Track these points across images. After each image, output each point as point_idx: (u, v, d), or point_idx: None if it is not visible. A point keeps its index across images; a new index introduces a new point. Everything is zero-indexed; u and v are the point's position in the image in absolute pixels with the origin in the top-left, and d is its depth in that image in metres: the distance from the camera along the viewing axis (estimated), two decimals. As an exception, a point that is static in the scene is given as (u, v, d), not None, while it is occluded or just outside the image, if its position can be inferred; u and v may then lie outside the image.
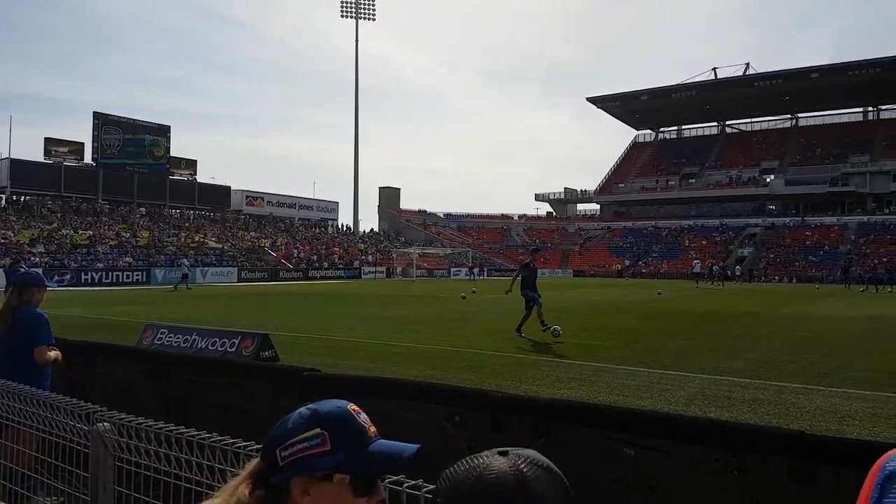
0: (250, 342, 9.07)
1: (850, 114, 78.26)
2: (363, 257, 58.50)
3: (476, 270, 52.88)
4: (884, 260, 50.66)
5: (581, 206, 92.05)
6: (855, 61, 67.46)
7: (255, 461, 1.09)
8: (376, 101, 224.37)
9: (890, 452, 0.70)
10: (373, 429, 1.06)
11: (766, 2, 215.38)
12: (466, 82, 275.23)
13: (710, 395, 7.39)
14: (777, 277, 55.69)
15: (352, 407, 1.06)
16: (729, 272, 51.70)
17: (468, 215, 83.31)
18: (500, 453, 0.78)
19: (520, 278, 13.38)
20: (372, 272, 53.80)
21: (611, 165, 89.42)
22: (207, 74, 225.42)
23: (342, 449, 1.01)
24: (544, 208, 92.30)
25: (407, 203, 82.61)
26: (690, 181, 78.50)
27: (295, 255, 53.28)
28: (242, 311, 18.69)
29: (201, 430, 2.27)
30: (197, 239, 49.29)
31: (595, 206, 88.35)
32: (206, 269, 42.67)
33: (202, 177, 60.48)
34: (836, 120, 78.69)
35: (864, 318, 18.43)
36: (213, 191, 60.40)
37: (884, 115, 76.14)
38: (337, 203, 73.00)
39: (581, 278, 59.82)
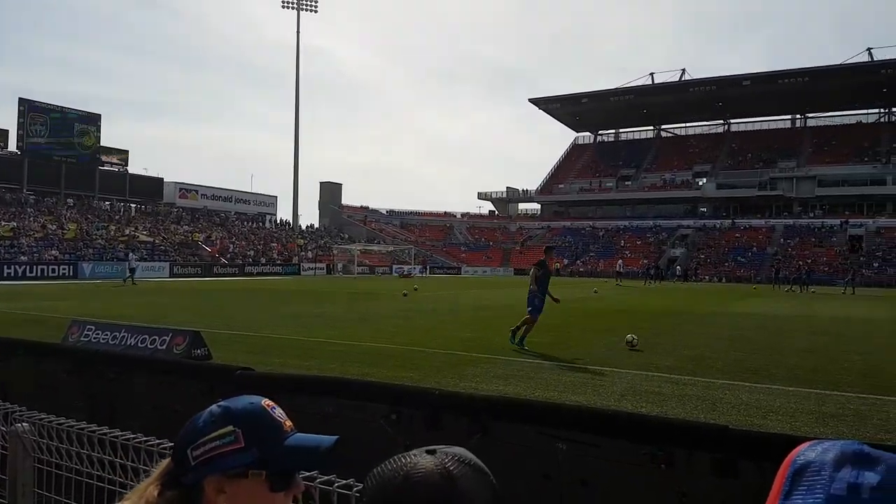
0: (182, 340, 8.80)
1: (779, 120, 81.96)
2: (303, 253, 57.58)
3: (410, 269, 52.76)
4: (808, 261, 53.32)
5: (522, 206, 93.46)
6: (784, 70, 70.59)
7: (165, 461, 1.07)
8: (318, 95, 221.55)
9: (800, 447, 0.72)
10: (289, 423, 1.05)
11: (703, 10, 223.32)
12: (411, 79, 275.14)
13: (641, 391, 7.61)
14: (707, 277, 57.88)
15: (265, 402, 1.05)
16: (658, 271, 53.75)
17: (411, 212, 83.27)
18: (428, 452, 0.77)
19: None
20: (312, 268, 53.05)
21: (551, 166, 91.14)
22: (141, 62, 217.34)
23: (256, 445, 0.99)
24: (487, 207, 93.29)
25: (349, 199, 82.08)
26: (627, 183, 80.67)
27: (231, 250, 51.99)
28: (174, 308, 18.12)
29: (126, 431, 2.19)
30: (127, 232, 47.50)
31: (536, 206, 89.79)
32: (136, 263, 41.20)
33: (134, 168, 58.58)
34: (765, 126, 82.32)
35: (790, 317, 19.31)
36: (145, 182, 58.38)
37: (810, 123, 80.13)
38: (275, 197, 71.82)
39: (522, 276, 60.61)
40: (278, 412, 1.05)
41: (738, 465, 2.14)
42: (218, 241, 53.00)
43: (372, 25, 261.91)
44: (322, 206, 78.07)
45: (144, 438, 2.14)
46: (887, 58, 66.15)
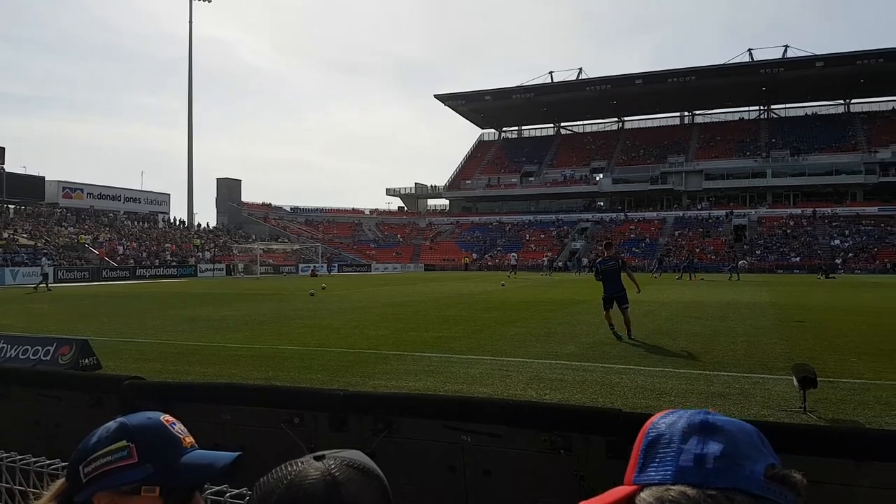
0: (68, 349, 8.24)
1: (668, 118, 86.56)
2: (200, 254, 55.36)
3: (316, 266, 51.99)
4: (696, 251, 56.75)
5: (431, 202, 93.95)
6: (673, 70, 74.24)
7: (59, 482, 1.05)
8: (213, 87, 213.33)
9: (653, 418, 0.75)
10: (189, 439, 1.03)
11: (598, 12, 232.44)
12: (313, 73, 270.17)
13: (545, 379, 7.85)
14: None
15: (165, 418, 1.03)
16: (561, 264, 56.11)
17: (317, 209, 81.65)
18: (316, 458, 0.76)
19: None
20: (210, 269, 50.99)
21: (459, 162, 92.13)
22: (16, 51, 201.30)
23: (151, 461, 0.97)
24: (396, 203, 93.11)
25: (249, 196, 79.44)
26: (530, 179, 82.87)
27: (121, 251, 49.26)
28: (60, 315, 16.94)
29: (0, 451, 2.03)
30: (6, 235, 43.92)
31: (445, 202, 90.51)
32: (15, 269, 38.18)
33: (11, 166, 54.12)
34: (656, 123, 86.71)
35: (680, 303, 20.45)
36: (25, 181, 54.15)
37: (697, 120, 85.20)
38: (168, 195, 68.41)
39: (432, 272, 61.00)
40: (178, 427, 1.03)
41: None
42: (106, 243, 50.04)
43: (273, 17, 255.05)
44: (220, 203, 75.13)
45: (20, 457, 1.99)
46: (766, 58, 71.31)
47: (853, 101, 76.93)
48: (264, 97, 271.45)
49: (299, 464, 0.75)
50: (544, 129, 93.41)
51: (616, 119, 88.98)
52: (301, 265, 57.25)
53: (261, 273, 50.64)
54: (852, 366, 8.66)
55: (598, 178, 78.41)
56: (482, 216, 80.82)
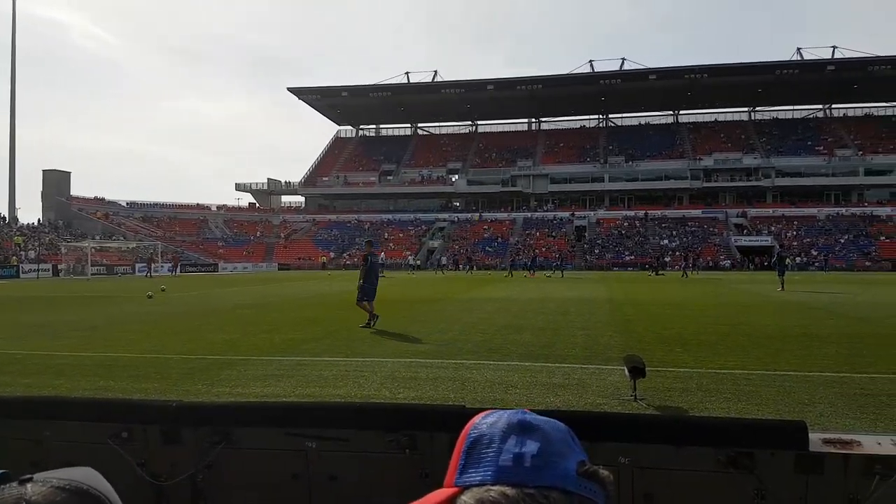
0: None
1: (517, 123, 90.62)
2: (22, 253, 49.91)
3: (155, 266, 48.77)
4: (543, 249, 59.90)
5: (286, 198, 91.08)
6: (522, 77, 77.87)
7: None
8: (40, 73, 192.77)
9: (474, 420, 0.77)
10: None
11: (451, 15, 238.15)
12: (156, 60, 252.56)
13: (399, 378, 7.88)
14: (461, 266, 62.17)
15: None
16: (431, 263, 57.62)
17: (157, 204, 76.31)
18: (21, 482, 0.70)
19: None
20: (34, 270, 46.16)
21: (315, 158, 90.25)
22: None
23: None
24: (246, 199, 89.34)
25: (80, 189, 72.68)
26: (388, 178, 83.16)
27: (-74, 251, 43.23)
28: None
29: None
30: None
31: (300, 199, 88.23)
32: None
33: None
34: (507, 128, 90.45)
35: (527, 300, 21.42)
36: None
37: (544, 126, 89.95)
38: (-13, 188, 61.10)
39: (287, 271, 59.27)
40: None
41: None
42: None
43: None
44: (46, 197, 68.03)
45: None
46: (605, 70, 76.70)
47: (681, 111, 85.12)
48: (99, 85, 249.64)
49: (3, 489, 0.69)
50: (402, 129, 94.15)
51: (470, 122, 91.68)
52: (138, 265, 53.27)
53: (92, 274, 46.60)
54: (677, 356, 9.42)
55: (453, 179, 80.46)
56: (340, 214, 79.89)
